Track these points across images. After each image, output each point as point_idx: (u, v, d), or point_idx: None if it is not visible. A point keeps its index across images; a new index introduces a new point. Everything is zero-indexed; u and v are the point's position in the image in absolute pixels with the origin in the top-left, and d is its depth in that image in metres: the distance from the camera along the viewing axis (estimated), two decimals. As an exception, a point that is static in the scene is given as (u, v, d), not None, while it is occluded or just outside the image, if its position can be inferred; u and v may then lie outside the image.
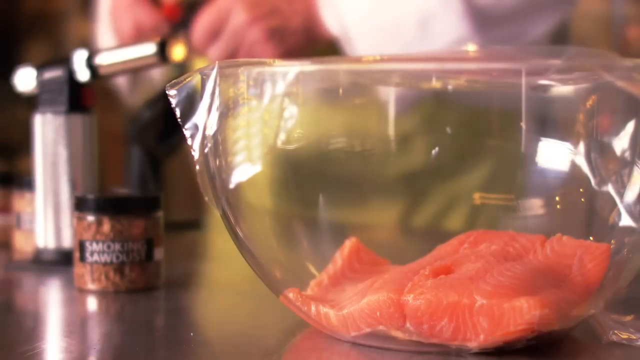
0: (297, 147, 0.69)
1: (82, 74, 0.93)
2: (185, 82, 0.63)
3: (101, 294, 0.78)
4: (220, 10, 1.10)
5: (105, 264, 0.79)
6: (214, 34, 1.10)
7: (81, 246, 0.79)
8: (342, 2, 1.09)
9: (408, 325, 0.57)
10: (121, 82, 1.31)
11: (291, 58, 1.01)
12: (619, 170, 0.60)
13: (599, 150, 0.62)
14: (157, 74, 1.26)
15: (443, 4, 1.05)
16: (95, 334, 0.68)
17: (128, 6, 1.17)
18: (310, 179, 0.71)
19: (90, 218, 0.79)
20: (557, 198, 0.68)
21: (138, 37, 1.14)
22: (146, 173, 1.17)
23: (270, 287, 0.66)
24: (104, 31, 1.30)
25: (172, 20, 1.16)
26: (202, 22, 1.10)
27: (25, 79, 0.96)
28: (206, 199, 0.65)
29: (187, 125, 0.62)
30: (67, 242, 0.92)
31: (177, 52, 0.94)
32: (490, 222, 0.72)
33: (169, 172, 1.28)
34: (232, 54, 1.10)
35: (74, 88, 0.94)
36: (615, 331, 0.59)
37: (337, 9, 1.09)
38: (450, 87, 0.70)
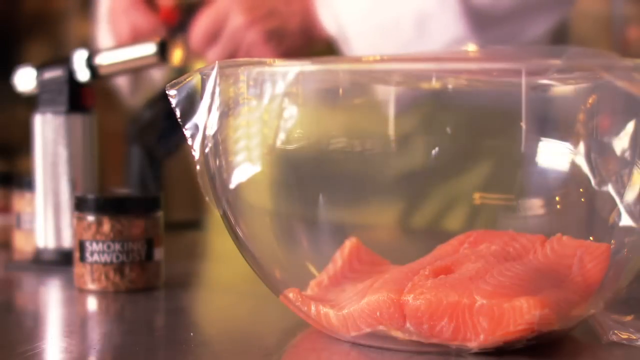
0: (297, 147, 0.69)
1: (82, 74, 0.93)
2: (185, 82, 0.63)
3: (101, 294, 0.78)
4: (217, 13, 1.10)
5: (105, 264, 0.79)
6: (212, 36, 1.10)
7: (81, 246, 0.79)
8: (339, 2, 1.09)
9: (408, 325, 0.57)
10: (122, 82, 1.31)
11: (290, 58, 1.01)
12: (619, 170, 0.60)
13: (599, 150, 0.62)
14: (158, 74, 1.26)
15: (440, 3, 1.05)
16: (95, 334, 0.68)
17: (125, 10, 1.17)
18: (310, 179, 0.71)
19: (90, 218, 0.79)
20: (557, 198, 0.68)
21: (135, 40, 1.14)
22: (146, 173, 1.17)
23: (270, 287, 0.66)
24: (104, 32, 1.30)
25: (170, 23, 1.16)
26: (200, 25, 1.10)
27: (25, 79, 0.96)
28: (207, 199, 0.65)
29: (188, 126, 0.62)
30: (67, 242, 0.92)
31: (175, 56, 0.94)
32: (490, 222, 0.72)
33: (169, 172, 1.28)
34: (231, 57, 1.10)
35: (74, 88, 0.94)
36: (615, 331, 0.59)
37: (334, 9, 1.09)
38: (450, 87, 0.70)
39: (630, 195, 0.59)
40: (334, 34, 1.10)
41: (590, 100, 0.64)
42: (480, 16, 1.06)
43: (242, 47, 1.09)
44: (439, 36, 1.06)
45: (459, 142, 0.75)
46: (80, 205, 0.80)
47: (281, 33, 1.09)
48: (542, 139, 0.67)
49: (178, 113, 0.62)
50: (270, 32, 1.09)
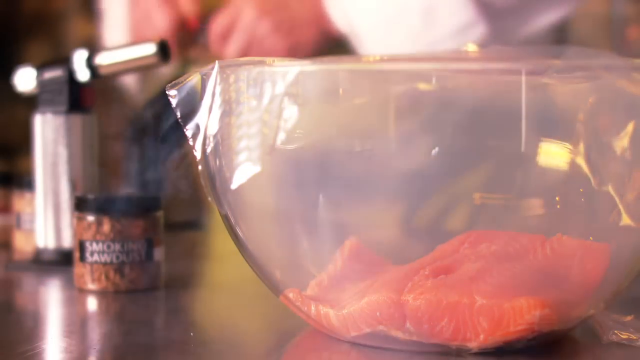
0: (297, 147, 0.69)
1: (82, 74, 0.93)
2: (185, 82, 0.63)
3: (101, 294, 0.78)
4: (232, 11, 1.17)
5: (105, 264, 0.79)
6: (228, 32, 1.16)
7: (81, 246, 0.79)
8: None
9: (408, 325, 0.57)
10: (129, 80, 1.31)
11: (296, 55, 1.03)
12: (619, 170, 0.60)
13: (599, 150, 0.62)
14: (166, 71, 1.26)
15: None
16: (95, 334, 0.68)
17: (161, 3, 1.22)
18: (310, 179, 0.71)
19: (90, 218, 0.79)
20: (557, 198, 0.68)
21: (179, 29, 1.19)
22: (146, 173, 1.17)
23: (270, 287, 0.66)
24: (111, 30, 1.31)
25: (192, 29, 1.22)
26: (217, 23, 1.18)
27: (25, 79, 0.96)
28: (209, 199, 0.65)
29: (188, 126, 0.62)
30: (67, 242, 0.92)
31: None
32: (490, 222, 0.72)
33: (169, 172, 1.28)
34: (245, 50, 1.15)
35: (74, 88, 0.94)
36: (615, 331, 0.59)
37: (343, 2, 1.12)
38: (450, 87, 0.70)
39: (630, 195, 0.59)
40: (343, 27, 1.13)
41: (590, 100, 0.64)
42: (487, 3, 1.08)
43: (254, 40, 1.15)
44: (446, 24, 1.08)
45: (459, 142, 0.75)
46: (80, 205, 0.80)
47: (291, 24, 1.13)
48: (542, 139, 0.67)
49: (178, 113, 0.62)
50: (279, 23, 1.13)
